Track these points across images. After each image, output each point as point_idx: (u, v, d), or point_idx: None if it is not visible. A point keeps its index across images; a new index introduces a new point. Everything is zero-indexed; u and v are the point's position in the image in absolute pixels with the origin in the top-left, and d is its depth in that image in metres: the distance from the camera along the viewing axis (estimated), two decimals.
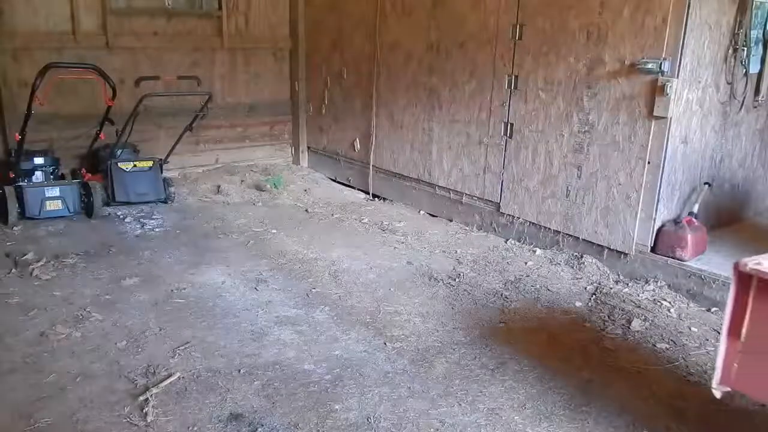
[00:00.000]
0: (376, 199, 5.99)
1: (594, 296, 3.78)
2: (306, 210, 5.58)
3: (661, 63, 3.61)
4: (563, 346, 3.20)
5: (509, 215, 4.74)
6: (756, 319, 1.97)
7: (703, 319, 3.49)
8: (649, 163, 3.80)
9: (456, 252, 4.53)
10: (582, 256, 4.20)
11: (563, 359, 3.08)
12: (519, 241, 4.66)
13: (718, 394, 2.11)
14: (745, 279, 1.96)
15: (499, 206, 4.80)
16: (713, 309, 3.55)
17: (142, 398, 2.66)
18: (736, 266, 1.97)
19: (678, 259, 3.78)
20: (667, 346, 3.21)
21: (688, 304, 3.63)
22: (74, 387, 2.74)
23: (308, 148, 7.01)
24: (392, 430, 2.51)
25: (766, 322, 1.96)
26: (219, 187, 6.00)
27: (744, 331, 2.00)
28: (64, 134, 5.53)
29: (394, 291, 3.84)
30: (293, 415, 2.59)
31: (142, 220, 5.07)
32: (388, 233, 4.97)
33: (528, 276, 4.09)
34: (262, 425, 2.51)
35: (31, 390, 2.71)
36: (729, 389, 2.10)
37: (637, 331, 3.34)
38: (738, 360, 2.03)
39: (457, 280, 4.02)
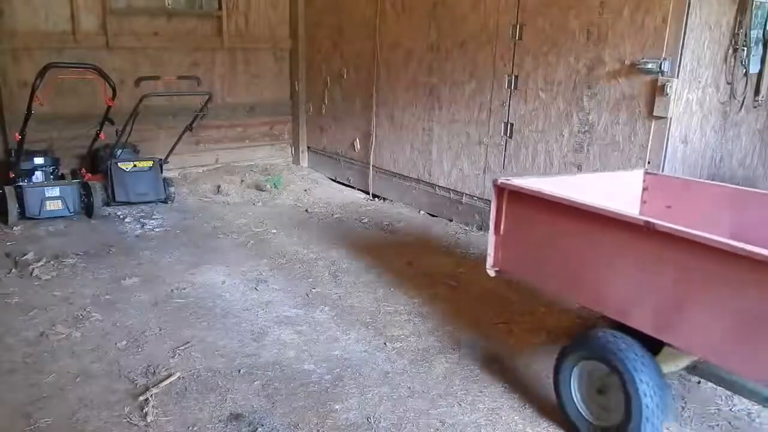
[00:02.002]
0: (376, 199, 5.99)
1: None
2: (306, 210, 5.58)
3: (661, 63, 3.62)
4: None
5: None
6: (508, 219, 2.77)
7: None
8: (649, 163, 3.80)
9: (456, 252, 4.53)
10: None
11: None
12: None
13: (492, 273, 2.88)
14: (500, 191, 2.76)
15: None
16: None
17: (142, 398, 2.66)
18: (494, 182, 2.77)
19: None
20: None
21: None
22: (74, 387, 2.74)
23: (308, 148, 7.01)
24: (392, 430, 2.51)
25: (514, 221, 2.76)
26: (219, 187, 6.01)
27: (502, 227, 2.79)
28: (64, 134, 5.54)
29: (394, 291, 3.84)
30: (293, 415, 2.59)
31: (142, 220, 5.07)
32: (388, 233, 4.97)
33: None
34: (262, 425, 2.51)
35: (31, 390, 2.71)
36: (498, 269, 2.86)
37: None
38: (500, 248, 2.83)
39: (457, 280, 4.02)
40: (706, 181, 3.44)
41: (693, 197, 3.04)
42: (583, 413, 2.48)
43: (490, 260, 2.86)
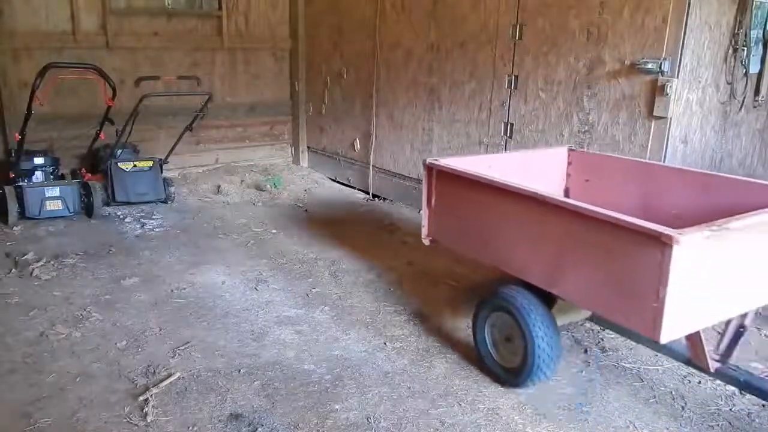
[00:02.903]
0: (376, 199, 5.99)
1: None
2: (306, 210, 5.58)
3: (661, 63, 3.62)
4: (563, 346, 3.20)
5: None
6: (438, 194, 3.15)
7: None
8: None
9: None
10: None
11: (563, 359, 3.08)
12: None
13: (426, 242, 3.25)
14: (429, 170, 3.13)
15: None
16: None
17: (142, 398, 2.66)
18: (423, 162, 3.15)
19: None
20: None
21: None
22: (74, 387, 2.74)
23: (308, 148, 7.01)
24: (392, 430, 2.51)
25: (442, 196, 3.13)
26: (219, 187, 6.01)
27: (433, 201, 3.17)
28: (64, 134, 5.54)
29: (394, 291, 3.84)
30: (293, 415, 2.59)
31: (142, 220, 5.08)
32: (388, 233, 4.97)
33: None
34: (262, 425, 2.51)
35: (31, 390, 2.71)
36: (431, 238, 3.24)
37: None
38: (433, 220, 3.21)
39: (457, 279, 4.02)
40: (621, 156, 3.70)
41: (610, 170, 3.42)
42: (495, 357, 2.89)
43: (424, 231, 3.25)
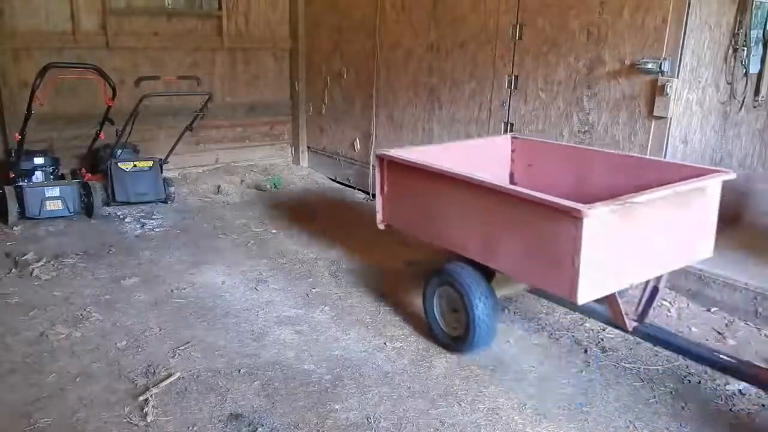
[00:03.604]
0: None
1: None
2: (306, 210, 5.58)
3: (661, 63, 3.61)
4: (563, 346, 3.20)
5: None
6: (389, 181, 3.40)
7: (703, 319, 3.49)
8: None
9: None
10: None
11: (563, 359, 3.08)
12: None
13: (381, 227, 3.52)
14: (381, 160, 3.39)
15: None
16: (713, 309, 3.55)
17: (142, 398, 2.66)
18: (375, 153, 3.33)
19: None
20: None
21: (688, 304, 3.63)
22: (74, 387, 2.74)
23: (308, 148, 7.01)
24: (392, 430, 2.51)
25: (394, 183, 3.38)
26: (219, 187, 6.01)
27: (385, 188, 3.42)
28: (64, 134, 5.54)
29: (393, 290, 3.84)
30: (293, 415, 2.59)
31: (142, 220, 5.08)
32: (388, 233, 4.96)
33: None
34: (262, 425, 2.51)
35: (31, 390, 2.71)
36: (386, 223, 3.49)
37: None
38: (387, 206, 3.46)
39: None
40: (559, 142, 3.99)
41: (549, 156, 3.71)
42: (442, 326, 3.17)
43: (379, 216, 3.50)
